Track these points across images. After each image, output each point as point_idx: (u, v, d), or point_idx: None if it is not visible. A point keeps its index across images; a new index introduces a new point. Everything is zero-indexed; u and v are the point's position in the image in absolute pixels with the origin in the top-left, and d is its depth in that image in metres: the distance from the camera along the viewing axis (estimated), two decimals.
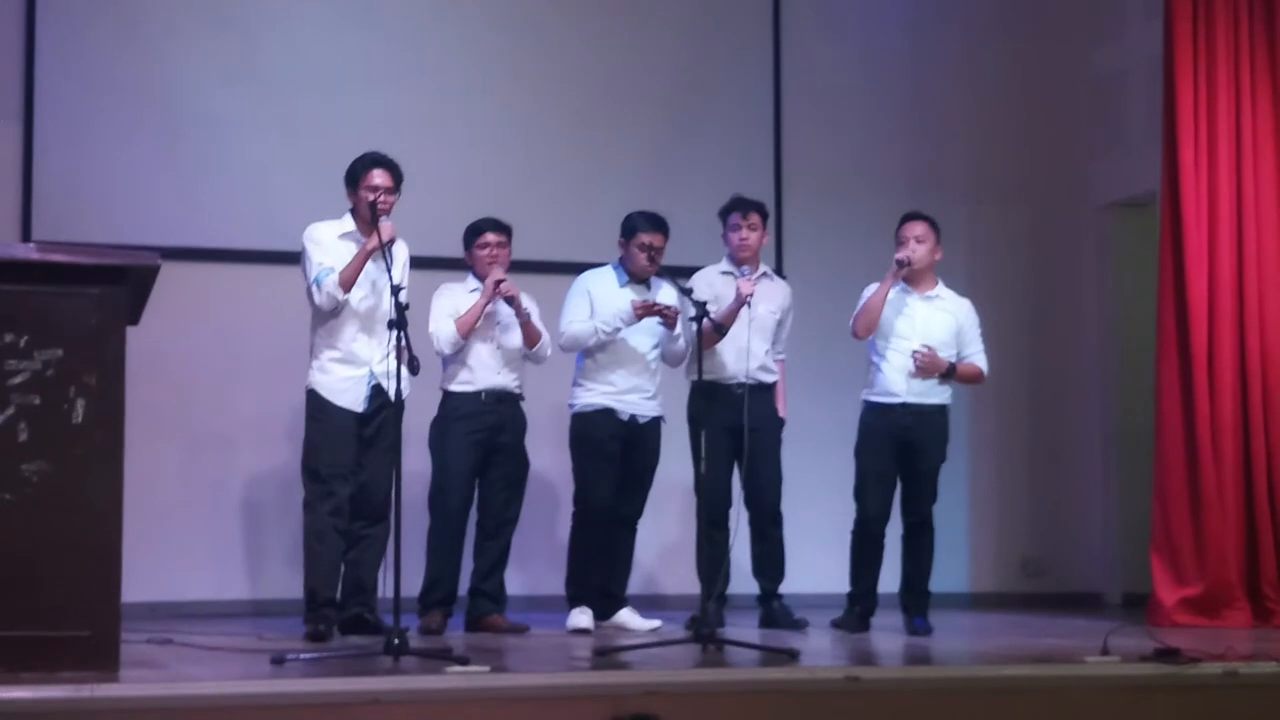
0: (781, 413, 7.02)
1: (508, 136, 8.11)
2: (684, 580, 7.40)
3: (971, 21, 8.96)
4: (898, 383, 6.66)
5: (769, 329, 6.94)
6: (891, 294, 6.67)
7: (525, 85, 8.17)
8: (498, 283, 6.48)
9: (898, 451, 6.68)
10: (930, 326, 6.71)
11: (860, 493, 6.77)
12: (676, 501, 7.68)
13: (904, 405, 6.65)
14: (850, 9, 8.83)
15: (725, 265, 6.99)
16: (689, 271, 6.91)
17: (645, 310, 6.56)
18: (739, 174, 8.14)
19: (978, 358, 6.81)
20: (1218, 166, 7.37)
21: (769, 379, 6.93)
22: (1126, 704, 4.88)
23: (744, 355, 6.72)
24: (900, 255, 6.65)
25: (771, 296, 6.98)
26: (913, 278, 6.71)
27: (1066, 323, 8.98)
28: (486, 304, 6.53)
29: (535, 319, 6.66)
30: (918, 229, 6.72)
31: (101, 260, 4.72)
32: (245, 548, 7.70)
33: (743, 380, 6.74)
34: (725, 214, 6.98)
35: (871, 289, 6.73)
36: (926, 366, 6.61)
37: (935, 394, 6.69)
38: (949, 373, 6.67)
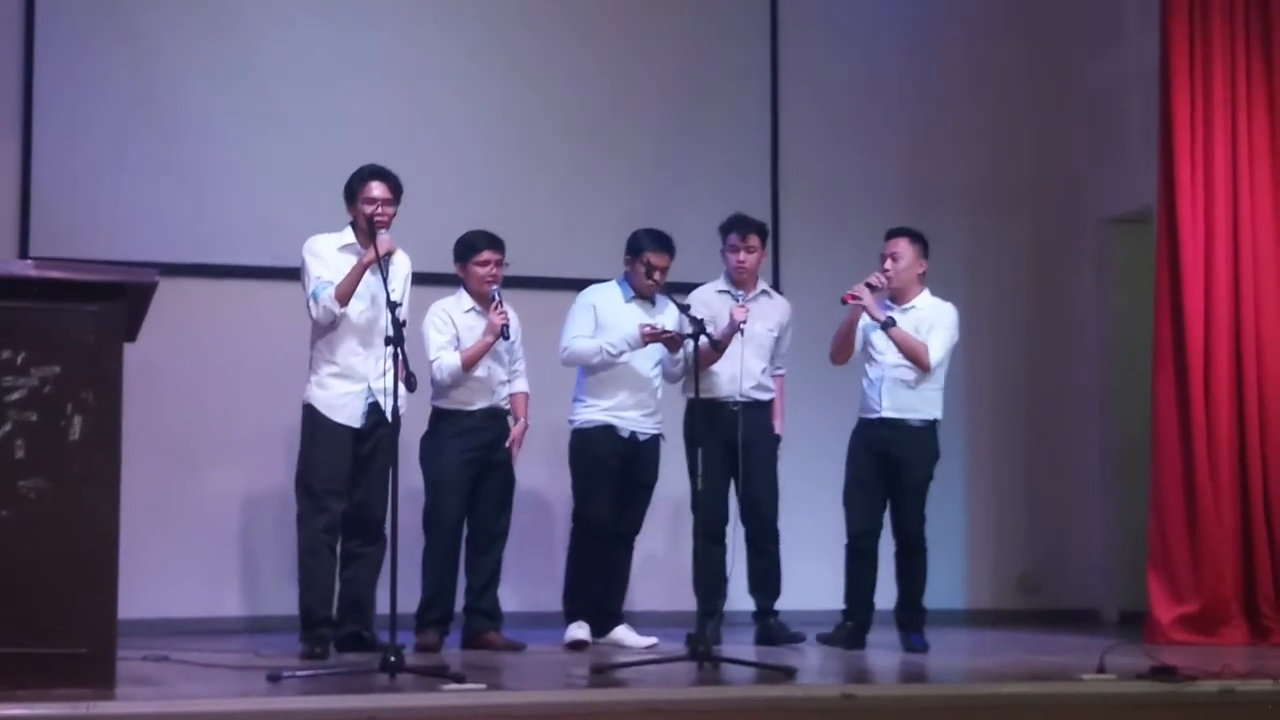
0: (778, 429, 7.02)
1: (504, 151, 8.10)
2: (678, 597, 7.41)
3: (970, 34, 8.97)
4: (875, 399, 6.68)
5: (766, 347, 6.93)
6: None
7: (522, 100, 8.17)
8: (504, 326, 6.46)
9: (881, 466, 6.68)
10: None
11: (845, 505, 6.78)
12: (672, 518, 7.67)
13: (882, 420, 6.65)
14: (849, 22, 8.84)
15: (722, 284, 6.96)
16: (684, 286, 6.91)
17: (653, 338, 6.58)
18: (737, 186, 8.17)
19: (930, 340, 6.67)
20: (1214, 180, 7.37)
21: (765, 396, 6.93)
22: None
23: (739, 374, 6.73)
24: (866, 283, 6.57)
25: (769, 314, 6.97)
26: (895, 292, 6.72)
27: (1063, 337, 8.98)
28: (494, 342, 6.51)
29: (516, 337, 6.65)
30: (896, 246, 6.73)
31: (99, 277, 4.74)
32: (241, 564, 7.70)
33: (738, 399, 6.76)
34: (725, 231, 6.95)
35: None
36: (860, 294, 6.51)
37: (918, 409, 6.67)
38: (888, 324, 6.58)
